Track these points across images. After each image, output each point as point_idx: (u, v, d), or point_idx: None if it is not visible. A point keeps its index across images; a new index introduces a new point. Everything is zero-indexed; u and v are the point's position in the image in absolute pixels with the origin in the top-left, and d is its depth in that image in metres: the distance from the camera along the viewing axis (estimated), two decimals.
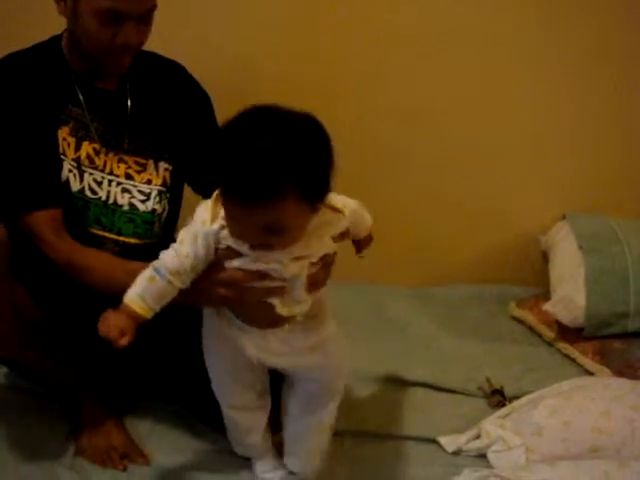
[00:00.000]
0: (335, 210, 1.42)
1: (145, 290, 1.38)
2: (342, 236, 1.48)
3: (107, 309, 1.39)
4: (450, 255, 2.56)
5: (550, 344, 2.25)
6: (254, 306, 1.44)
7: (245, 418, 1.62)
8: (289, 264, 1.37)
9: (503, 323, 2.36)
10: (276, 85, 2.17)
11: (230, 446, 1.70)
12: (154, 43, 1.73)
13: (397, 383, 2.02)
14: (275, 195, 1.25)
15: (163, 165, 1.76)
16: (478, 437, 1.81)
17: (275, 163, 1.24)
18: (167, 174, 1.77)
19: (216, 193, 1.38)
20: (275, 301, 1.42)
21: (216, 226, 1.37)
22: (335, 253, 1.47)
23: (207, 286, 1.43)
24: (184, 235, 1.40)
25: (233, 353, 1.51)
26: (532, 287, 2.46)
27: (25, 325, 1.63)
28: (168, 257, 1.39)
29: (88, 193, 1.69)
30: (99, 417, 1.77)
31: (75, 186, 1.68)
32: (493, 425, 1.81)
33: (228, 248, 1.39)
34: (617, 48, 2.41)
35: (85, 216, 1.69)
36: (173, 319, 1.64)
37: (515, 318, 2.38)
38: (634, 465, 1.62)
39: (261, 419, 1.64)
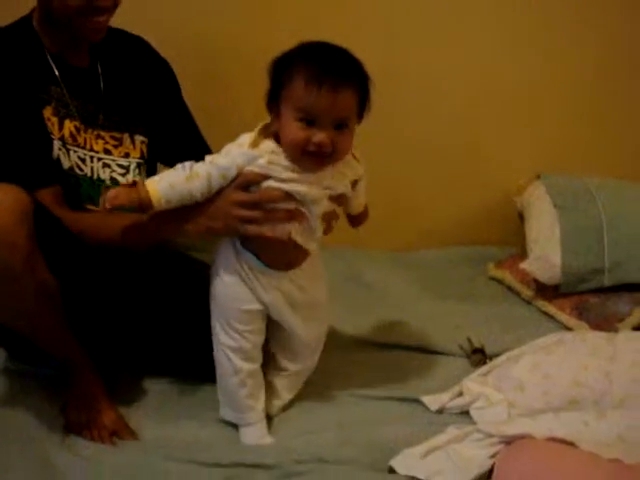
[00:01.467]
0: (355, 157, 1.62)
1: (167, 176, 1.53)
2: (340, 200, 1.62)
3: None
4: (427, 219, 2.58)
5: (529, 302, 2.27)
6: (272, 242, 1.55)
7: (253, 373, 1.67)
8: (313, 189, 1.54)
9: (482, 284, 2.39)
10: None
11: (218, 418, 1.73)
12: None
13: (377, 346, 2.05)
14: (355, 82, 1.51)
15: (139, 138, 1.80)
16: (460, 395, 1.83)
17: (352, 57, 1.53)
18: (143, 146, 1.81)
19: (260, 127, 1.54)
20: (293, 227, 1.56)
21: (255, 152, 1.52)
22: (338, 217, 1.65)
23: (224, 206, 1.53)
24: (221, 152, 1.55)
25: (248, 298, 1.61)
26: (510, 247, 2.48)
27: (39, 290, 1.59)
28: (199, 163, 1.54)
29: (77, 170, 1.73)
30: (89, 395, 1.77)
31: (66, 164, 1.71)
32: (475, 382, 1.84)
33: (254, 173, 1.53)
34: (591, 12, 2.44)
35: (79, 193, 1.73)
36: (170, 281, 1.68)
37: (493, 278, 2.41)
38: (611, 415, 1.66)
39: (262, 377, 1.70)
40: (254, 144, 1.53)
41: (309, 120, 1.49)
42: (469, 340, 2.02)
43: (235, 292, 1.62)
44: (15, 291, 1.52)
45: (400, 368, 1.95)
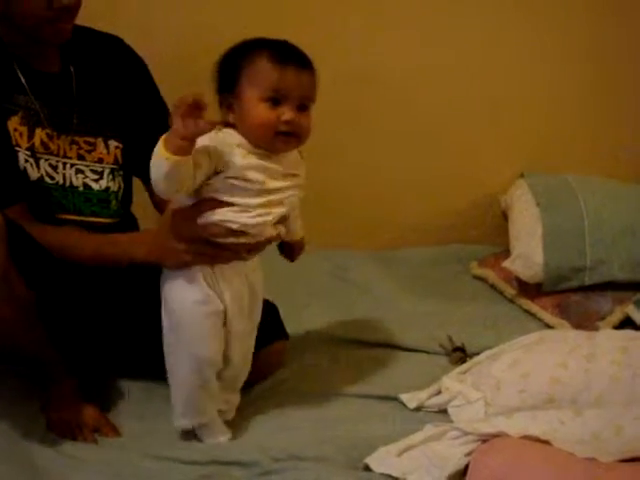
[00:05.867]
0: (301, 154, 1.63)
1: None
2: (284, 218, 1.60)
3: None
4: (412, 217, 2.59)
5: (511, 301, 2.29)
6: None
7: (213, 376, 1.65)
8: (277, 179, 1.53)
9: (465, 282, 2.40)
10: None
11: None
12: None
13: (358, 344, 2.06)
14: (313, 66, 1.55)
15: (113, 143, 1.78)
16: (439, 393, 1.84)
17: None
18: (118, 152, 1.79)
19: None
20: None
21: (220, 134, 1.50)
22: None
23: (172, 242, 1.53)
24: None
25: (205, 299, 1.58)
26: (494, 246, 2.49)
27: (15, 303, 1.61)
28: None
29: (47, 180, 1.71)
30: (70, 393, 1.78)
31: (33, 175, 1.69)
32: (453, 380, 1.85)
33: (210, 199, 1.51)
34: (576, 12, 2.44)
35: (49, 203, 1.72)
36: (148, 281, 1.68)
37: (477, 277, 2.42)
38: (587, 413, 1.67)
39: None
40: (218, 131, 1.52)
41: (276, 99, 1.50)
42: (449, 338, 2.03)
43: (195, 294, 1.58)
44: None
45: (380, 366, 1.96)
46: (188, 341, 1.61)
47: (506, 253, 2.35)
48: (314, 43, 2.39)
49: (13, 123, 1.66)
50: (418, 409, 1.82)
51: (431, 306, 2.25)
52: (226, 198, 1.51)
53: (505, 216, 2.46)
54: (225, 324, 1.63)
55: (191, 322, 1.59)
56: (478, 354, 1.97)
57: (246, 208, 1.51)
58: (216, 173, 1.51)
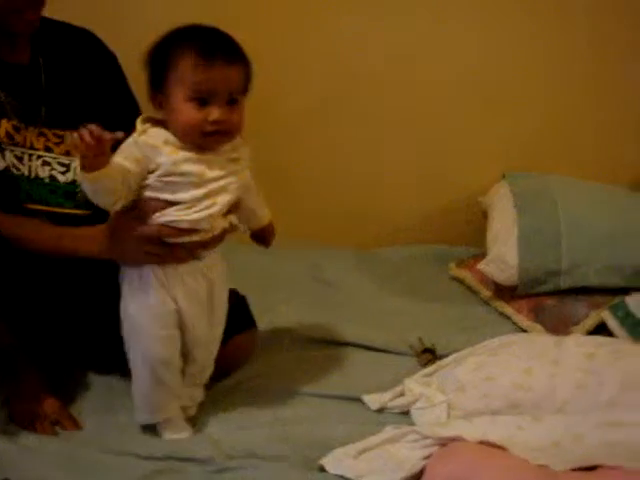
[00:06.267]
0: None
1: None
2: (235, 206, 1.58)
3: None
4: (392, 217, 2.58)
5: (487, 303, 2.27)
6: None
7: (170, 375, 1.64)
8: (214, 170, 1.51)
9: (442, 283, 2.39)
10: None
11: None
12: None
13: (328, 343, 2.04)
14: (242, 57, 1.52)
15: None
16: (402, 395, 1.84)
17: (227, 34, 1.53)
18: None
19: (140, 118, 1.52)
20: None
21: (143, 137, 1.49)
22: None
23: (128, 239, 1.53)
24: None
25: (156, 301, 1.57)
26: (473, 248, 2.47)
27: None
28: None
29: (13, 170, 1.71)
30: (33, 385, 1.78)
31: (0, 165, 1.69)
32: (417, 383, 1.84)
33: (153, 199, 1.50)
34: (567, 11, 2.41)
35: (17, 193, 1.72)
36: (111, 279, 1.68)
37: (455, 278, 2.40)
38: (547, 419, 1.65)
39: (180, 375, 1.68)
40: (141, 133, 1.50)
41: (202, 99, 1.48)
42: (420, 339, 2.01)
43: (146, 295, 1.58)
44: None
45: (346, 366, 1.95)
46: (141, 341, 1.62)
47: (484, 255, 2.31)
48: (304, 40, 2.44)
49: None
50: (380, 410, 1.80)
51: (406, 306, 2.24)
52: (166, 196, 1.50)
53: (486, 217, 2.44)
54: (182, 324, 1.62)
55: (143, 323, 1.59)
56: (448, 356, 1.96)
57: (190, 203, 1.50)
58: (150, 173, 1.50)
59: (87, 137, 1.38)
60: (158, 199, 1.51)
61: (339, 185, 2.40)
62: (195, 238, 1.53)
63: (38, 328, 1.79)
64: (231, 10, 2.31)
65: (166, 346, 1.62)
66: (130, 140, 1.48)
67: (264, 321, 2.08)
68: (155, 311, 1.58)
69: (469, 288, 2.35)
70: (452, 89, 2.48)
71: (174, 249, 1.53)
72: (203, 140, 1.50)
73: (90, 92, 1.79)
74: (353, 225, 2.50)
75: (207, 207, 1.51)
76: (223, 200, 1.53)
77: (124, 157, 1.46)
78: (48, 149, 1.74)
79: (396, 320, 2.15)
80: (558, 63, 2.46)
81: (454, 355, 1.93)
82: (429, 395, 1.79)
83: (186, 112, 1.48)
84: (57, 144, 1.75)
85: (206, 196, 1.51)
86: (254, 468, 1.60)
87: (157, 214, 1.51)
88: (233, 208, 1.58)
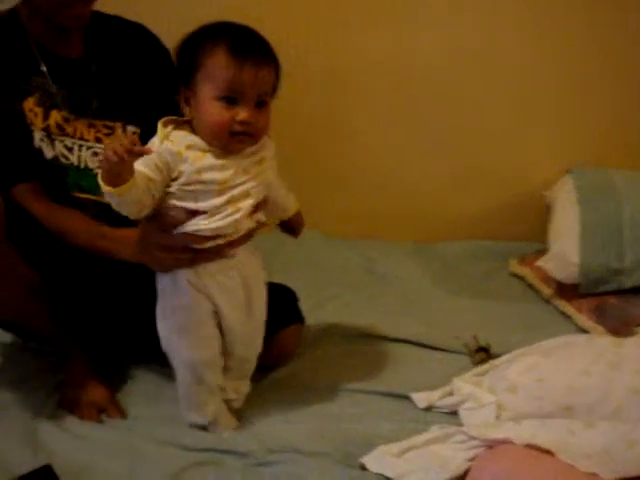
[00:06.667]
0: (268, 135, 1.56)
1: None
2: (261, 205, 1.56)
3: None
4: (453, 210, 2.53)
5: (547, 302, 2.19)
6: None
7: (210, 375, 1.63)
8: (237, 176, 1.48)
9: (502, 280, 2.32)
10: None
11: None
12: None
13: (379, 338, 2.00)
14: (273, 58, 1.49)
15: (131, 129, 1.79)
16: (452, 394, 1.79)
17: (261, 35, 1.51)
18: (135, 137, 1.78)
19: (162, 121, 1.49)
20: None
21: (166, 144, 1.46)
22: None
23: (153, 250, 1.53)
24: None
25: (191, 303, 1.56)
26: (537, 244, 2.38)
27: (19, 284, 1.68)
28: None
29: (62, 160, 1.74)
30: (83, 372, 1.81)
31: (48, 154, 1.73)
32: (466, 382, 1.78)
33: (176, 208, 1.48)
34: None
35: (65, 181, 1.75)
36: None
37: (515, 275, 2.33)
38: (600, 425, 1.58)
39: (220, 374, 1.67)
40: (163, 139, 1.47)
41: (231, 98, 1.45)
42: (475, 338, 1.95)
43: (179, 302, 1.57)
44: None
45: (396, 363, 1.92)
46: (180, 343, 1.61)
47: (547, 251, 2.23)
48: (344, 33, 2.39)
49: (29, 104, 1.70)
50: (428, 409, 1.76)
51: (461, 303, 2.18)
52: (189, 204, 1.48)
53: (549, 213, 2.35)
54: (221, 323, 1.61)
55: (181, 325, 1.59)
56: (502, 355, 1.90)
57: (213, 211, 1.48)
58: (173, 180, 1.48)
59: (118, 148, 1.35)
60: (181, 208, 1.49)
61: (397, 177, 2.36)
62: (220, 242, 1.51)
63: (90, 318, 1.81)
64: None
65: (205, 347, 1.61)
66: (153, 149, 1.45)
67: (315, 314, 2.07)
68: (191, 312, 1.57)
69: (529, 286, 2.27)
70: (518, 80, 2.40)
71: (201, 252, 1.52)
72: (228, 141, 1.47)
73: (141, 86, 1.80)
74: (411, 218, 2.45)
75: (231, 214, 1.49)
76: (246, 205, 1.50)
77: (146, 165, 1.44)
78: (98, 140, 1.76)
79: (450, 317, 2.10)
80: (626, 57, 2.35)
81: (508, 355, 1.86)
82: (478, 395, 1.74)
83: (214, 111, 1.45)
84: (107, 135, 1.76)
85: (228, 202, 1.48)
86: (293, 463, 1.59)
87: (179, 223, 1.49)
88: (260, 207, 1.55)
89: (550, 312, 2.15)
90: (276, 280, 1.90)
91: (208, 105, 1.45)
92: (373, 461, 1.58)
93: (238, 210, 1.49)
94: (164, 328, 1.61)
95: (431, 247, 2.48)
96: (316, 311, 2.09)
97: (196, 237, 1.49)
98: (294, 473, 1.56)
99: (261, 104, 1.47)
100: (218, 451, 1.63)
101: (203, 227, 1.49)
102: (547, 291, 2.20)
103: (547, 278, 2.20)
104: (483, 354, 1.92)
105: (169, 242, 1.51)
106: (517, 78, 2.40)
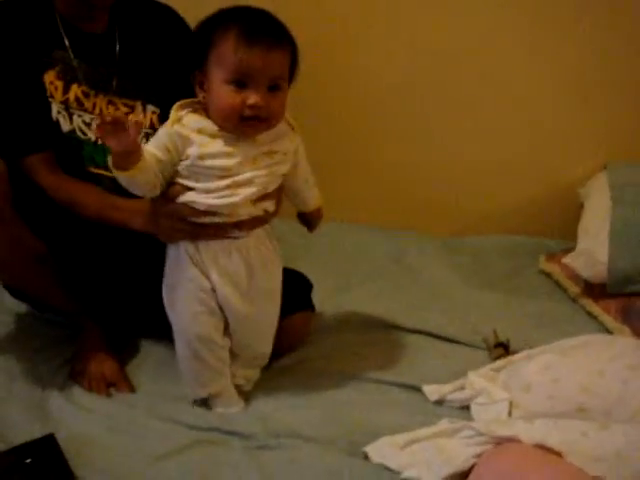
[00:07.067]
0: (289, 124, 1.55)
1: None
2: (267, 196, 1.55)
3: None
4: (484, 204, 2.47)
5: (574, 300, 2.12)
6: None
7: (208, 353, 1.63)
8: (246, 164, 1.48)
9: (529, 276, 2.25)
10: None
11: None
12: None
13: (397, 329, 1.97)
14: (287, 41, 1.47)
15: (151, 108, 1.79)
16: (464, 388, 1.74)
17: (278, 19, 1.48)
18: (154, 117, 1.79)
19: (177, 104, 1.49)
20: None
21: (176, 127, 1.47)
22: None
23: (161, 218, 1.54)
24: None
25: (190, 277, 1.57)
26: (568, 241, 2.29)
27: (27, 255, 1.70)
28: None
29: (79, 134, 1.74)
30: (94, 345, 1.83)
31: (65, 127, 1.72)
32: (480, 377, 1.74)
33: (178, 184, 1.50)
34: None
35: (80, 155, 1.74)
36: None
37: (543, 272, 2.26)
38: (615, 428, 1.51)
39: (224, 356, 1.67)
40: (174, 121, 1.47)
41: (241, 82, 1.43)
42: (494, 333, 1.90)
43: (182, 271, 1.58)
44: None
45: (412, 354, 1.88)
46: (178, 316, 1.62)
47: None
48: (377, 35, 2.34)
49: (49, 76, 1.69)
50: (439, 402, 1.73)
51: (485, 298, 2.13)
52: (190, 183, 1.49)
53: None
54: (220, 303, 1.60)
55: (179, 298, 1.60)
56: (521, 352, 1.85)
57: (208, 190, 1.48)
58: (182, 160, 1.49)
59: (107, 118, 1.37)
60: (179, 184, 1.51)
61: (429, 169, 2.31)
62: (216, 220, 1.51)
63: (101, 293, 1.82)
64: None
65: (201, 323, 1.60)
66: (162, 130, 1.48)
67: (338, 301, 2.06)
68: (189, 286, 1.57)
69: (557, 283, 2.20)
70: (552, 75, 2.33)
71: (203, 227, 1.52)
72: (240, 125, 1.45)
73: (163, 66, 1.78)
74: (442, 211, 2.41)
75: (227, 196, 1.48)
76: (247, 192, 1.49)
77: (155, 146, 1.47)
78: None
79: (473, 311, 2.05)
80: None
81: (526, 351, 1.81)
82: (491, 391, 1.69)
83: (224, 94, 1.44)
84: (126, 114, 1.75)
85: (228, 187, 1.48)
86: (294, 448, 1.57)
87: (179, 195, 1.51)
88: (268, 197, 1.54)
89: (576, 311, 2.09)
90: (302, 267, 1.90)
91: (219, 89, 1.44)
92: (376, 451, 1.56)
93: (236, 195, 1.48)
94: (166, 299, 1.62)
95: (461, 241, 2.43)
96: (337, 297, 2.07)
97: (192, 209, 1.50)
98: (293, 458, 1.54)
99: (274, 88, 1.45)
100: (221, 431, 1.62)
101: (197, 200, 1.50)
102: (574, 289, 2.13)
103: (575, 276, 2.13)
104: (501, 350, 1.87)
105: (169, 209, 1.52)
106: (556, 72, 2.33)
